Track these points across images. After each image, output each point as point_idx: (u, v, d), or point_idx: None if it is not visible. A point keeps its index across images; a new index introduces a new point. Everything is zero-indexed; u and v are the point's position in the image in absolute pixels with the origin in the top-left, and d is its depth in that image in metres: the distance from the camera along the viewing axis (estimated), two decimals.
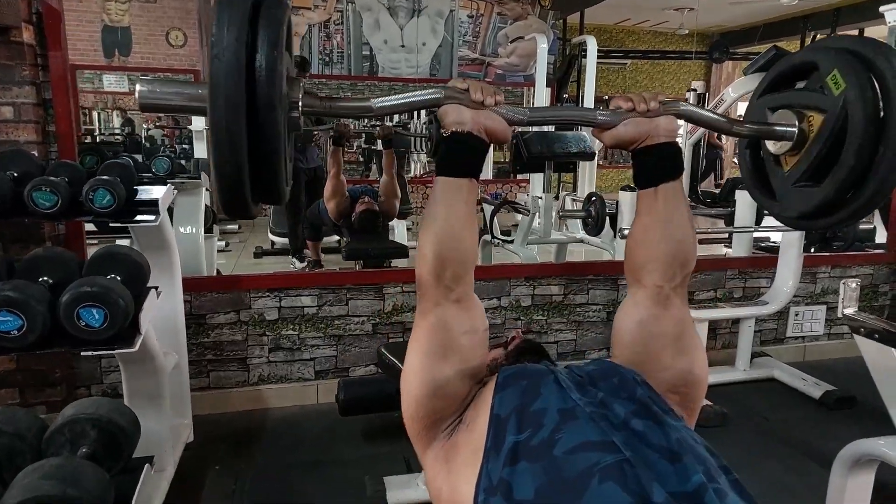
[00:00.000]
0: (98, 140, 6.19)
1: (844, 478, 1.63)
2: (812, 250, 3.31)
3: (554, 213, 3.34)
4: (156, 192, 1.85)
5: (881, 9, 3.64)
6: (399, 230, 4.42)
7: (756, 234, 3.22)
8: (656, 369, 0.91)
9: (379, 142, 3.74)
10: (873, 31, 6.52)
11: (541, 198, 3.43)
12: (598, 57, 4.67)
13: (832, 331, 3.20)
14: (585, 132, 3.07)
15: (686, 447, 0.73)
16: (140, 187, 1.91)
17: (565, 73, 5.90)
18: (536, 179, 3.72)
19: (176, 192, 2.20)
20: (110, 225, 2.01)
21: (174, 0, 6.17)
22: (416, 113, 4.35)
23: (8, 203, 1.69)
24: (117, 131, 6.39)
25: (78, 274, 1.55)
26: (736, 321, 2.94)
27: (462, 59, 6.74)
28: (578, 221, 3.50)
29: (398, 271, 3.17)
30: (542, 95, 5.03)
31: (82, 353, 1.48)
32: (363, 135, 6.25)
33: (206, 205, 3.08)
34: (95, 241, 3.27)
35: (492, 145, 0.94)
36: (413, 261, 1.86)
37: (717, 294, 3.03)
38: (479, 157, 0.90)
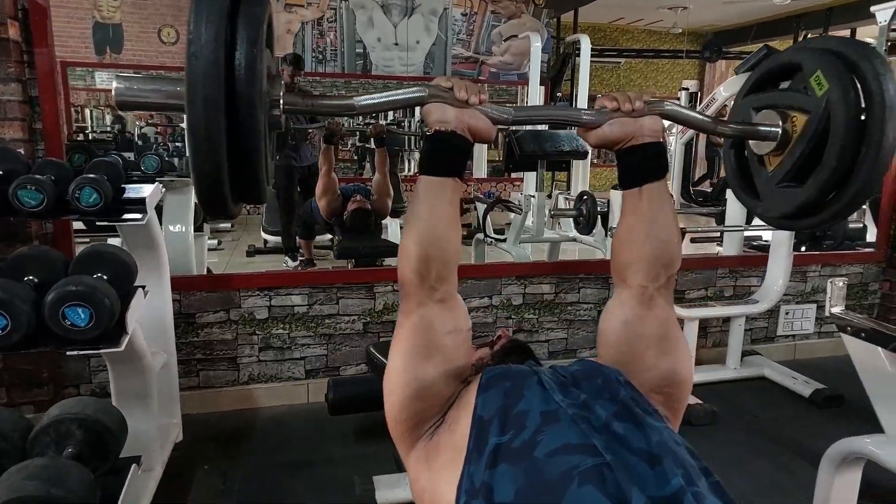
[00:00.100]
0: (90, 138, 6.14)
1: (832, 476, 1.64)
2: (802, 249, 3.32)
3: (546, 212, 3.34)
4: (143, 190, 1.84)
5: (872, 9, 3.66)
6: (392, 229, 4.41)
7: (747, 233, 3.24)
8: (640, 369, 0.91)
9: (372, 140, 3.73)
10: (865, 31, 6.56)
11: (533, 196, 3.44)
12: (592, 56, 4.66)
13: (822, 329, 3.22)
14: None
15: (666, 450, 0.73)
16: (128, 185, 1.90)
17: (559, 71, 5.90)
18: (530, 178, 3.72)
19: (164, 190, 2.18)
20: (97, 224, 1.99)
21: None
22: (411, 111, 4.34)
23: None
24: (109, 129, 6.35)
25: (64, 273, 1.54)
26: (726, 320, 2.95)
27: (456, 58, 6.73)
28: (571, 220, 3.51)
29: (388, 270, 3.16)
30: (535, 94, 5.03)
31: (68, 353, 1.47)
32: (357, 133, 6.24)
33: (195, 203, 3.06)
34: (87, 240, 3.26)
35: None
36: None
37: (708, 293, 3.04)
38: (463, 156, 0.90)
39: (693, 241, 3.85)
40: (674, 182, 3.10)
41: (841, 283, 1.61)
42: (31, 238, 2.09)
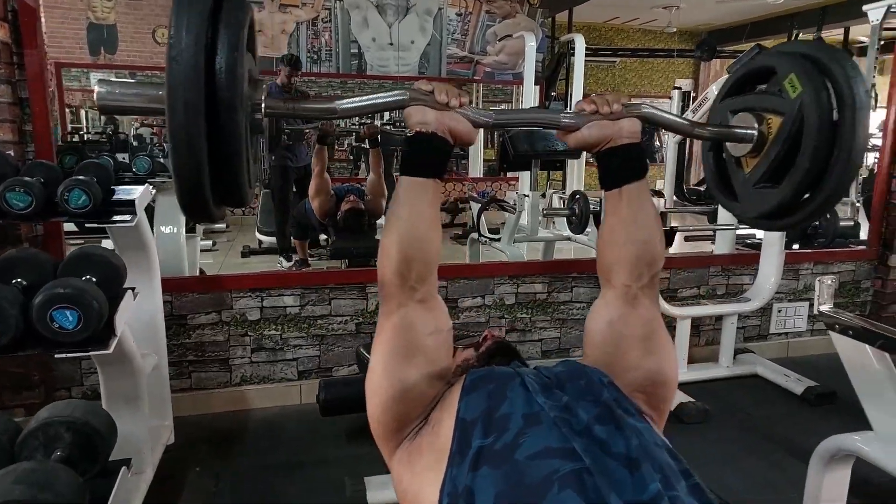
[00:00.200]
0: (85, 139, 6.13)
1: (821, 473, 1.64)
2: (796, 247, 3.33)
3: (540, 212, 3.35)
4: (133, 192, 1.84)
5: (864, 7, 3.67)
6: None
7: (740, 231, 3.25)
8: (625, 369, 0.92)
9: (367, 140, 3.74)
10: (859, 30, 6.58)
11: (527, 196, 3.44)
12: (587, 55, 4.66)
13: (815, 327, 3.23)
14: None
15: (646, 454, 0.74)
16: (118, 187, 1.90)
17: (554, 71, 5.90)
18: (525, 177, 3.72)
19: (154, 191, 2.18)
20: (86, 226, 1.99)
21: None
22: None
23: None
24: (101, 130, 6.33)
25: (52, 275, 1.54)
26: (719, 318, 2.96)
27: (451, 58, 6.73)
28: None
29: None
30: (530, 93, 5.03)
31: (56, 356, 1.46)
32: (353, 133, 6.23)
33: None
34: (82, 241, 3.25)
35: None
36: None
37: (701, 291, 3.05)
38: (443, 158, 0.91)
39: (687, 239, 3.87)
40: (666, 181, 3.11)
41: (829, 281, 1.61)
42: (20, 240, 2.09)
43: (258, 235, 5.11)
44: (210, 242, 5.17)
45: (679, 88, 3.47)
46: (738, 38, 7.82)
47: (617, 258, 0.95)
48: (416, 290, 0.87)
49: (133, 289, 1.66)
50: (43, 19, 2.24)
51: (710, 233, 3.50)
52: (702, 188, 4.82)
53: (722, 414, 2.52)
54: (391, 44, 6.52)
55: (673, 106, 3.36)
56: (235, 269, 4.48)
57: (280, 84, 4.36)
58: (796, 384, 2.72)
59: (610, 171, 0.96)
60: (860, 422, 1.60)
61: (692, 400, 2.50)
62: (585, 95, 5.04)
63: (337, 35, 6.39)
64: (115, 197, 1.82)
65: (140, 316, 1.94)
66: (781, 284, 2.93)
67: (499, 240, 3.52)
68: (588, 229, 2.98)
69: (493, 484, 0.71)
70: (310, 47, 6.37)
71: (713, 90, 3.33)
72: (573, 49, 4.41)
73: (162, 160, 2.84)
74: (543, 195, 4.74)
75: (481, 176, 7.39)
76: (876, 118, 3.87)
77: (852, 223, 3.52)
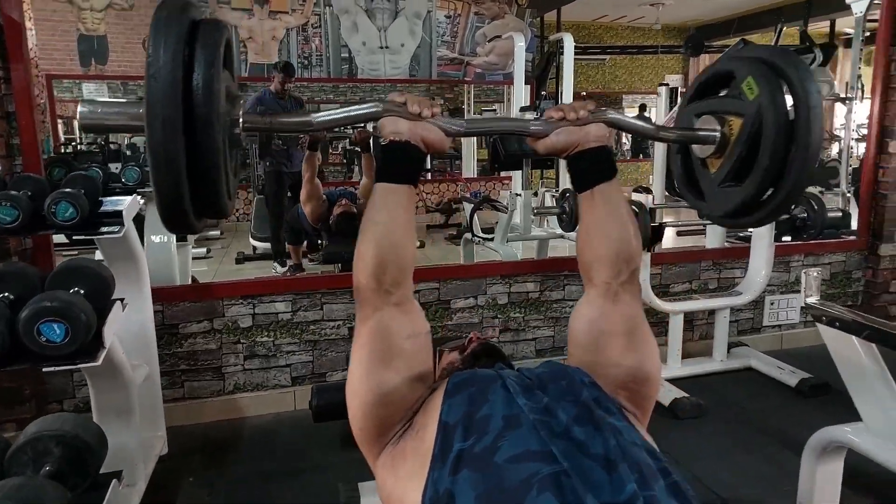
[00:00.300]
0: (78, 150, 6.12)
1: (814, 465, 1.65)
2: (787, 239, 3.34)
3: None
4: (121, 203, 1.84)
5: (847, 0, 3.69)
6: None
7: None
8: (607, 366, 0.92)
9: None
10: (845, 23, 6.61)
11: (519, 195, 3.45)
12: (576, 53, 4.68)
13: (807, 318, 3.24)
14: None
15: (623, 454, 0.74)
16: (106, 198, 1.90)
17: (544, 70, 5.90)
18: (517, 177, 3.73)
19: (144, 201, 2.18)
20: (73, 238, 1.99)
21: (151, 8, 6.09)
22: None
23: None
24: (92, 140, 6.32)
25: (40, 289, 1.54)
26: (712, 312, 2.97)
27: (441, 60, 6.74)
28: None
29: None
30: (521, 93, 5.03)
31: (45, 370, 1.46)
32: (347, 137, 6.24)
33: None
34: (75, 252, 3.24)
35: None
36: None
37: (693, 286, 3.06)
38: (417, 165, 0.93)
39: (679, 234, 3.88)
40: (655, 177, 3.12)
41: (815, 273, 1.62)
42: (9, 254, 2.09)
43: (252, 241, 5.11)
44: (204, 250, 5.16)
45: (666, 85, 3.47)
46: (726, 32, 7.86)
47: (596, 256, 0.97)
48: (391, 293, 0.87)
49: (122, 300, 1.66)
50: (32, 32, 2.24)
51: (700, 227, 3.51)
52: None
53: (717, 408, 2.53)
54: (381, 47, 6.53)
55: (660, 102, 3.37)
56: (230, 275, 4.48)
57: (274, 90, 4.37)
58: (790, 376, 2.73)
59: (580, 174, 0.99)
60: (854, 412, 1.61)
61: (686, 395, 2.50)
62: (576, 94, 5.06)
63: (327, 40, 6.40)
64: (102, 208, 1.82)
65: (130, 327, 1.93)
66: (773, 277, 2.94)
67: (492, 239, 3.53)
68: (579, 227, 2.98)
69: (473, 487, 0.72)
70: (300, 53, 6.37)
71: None
72: (562, 48, 4.41)
73: None
74: (535, 194, 4.76)
75: (475, 176, 7.40)
76: (863, 109, 3.90)
77: (840, 214, 3.53)
